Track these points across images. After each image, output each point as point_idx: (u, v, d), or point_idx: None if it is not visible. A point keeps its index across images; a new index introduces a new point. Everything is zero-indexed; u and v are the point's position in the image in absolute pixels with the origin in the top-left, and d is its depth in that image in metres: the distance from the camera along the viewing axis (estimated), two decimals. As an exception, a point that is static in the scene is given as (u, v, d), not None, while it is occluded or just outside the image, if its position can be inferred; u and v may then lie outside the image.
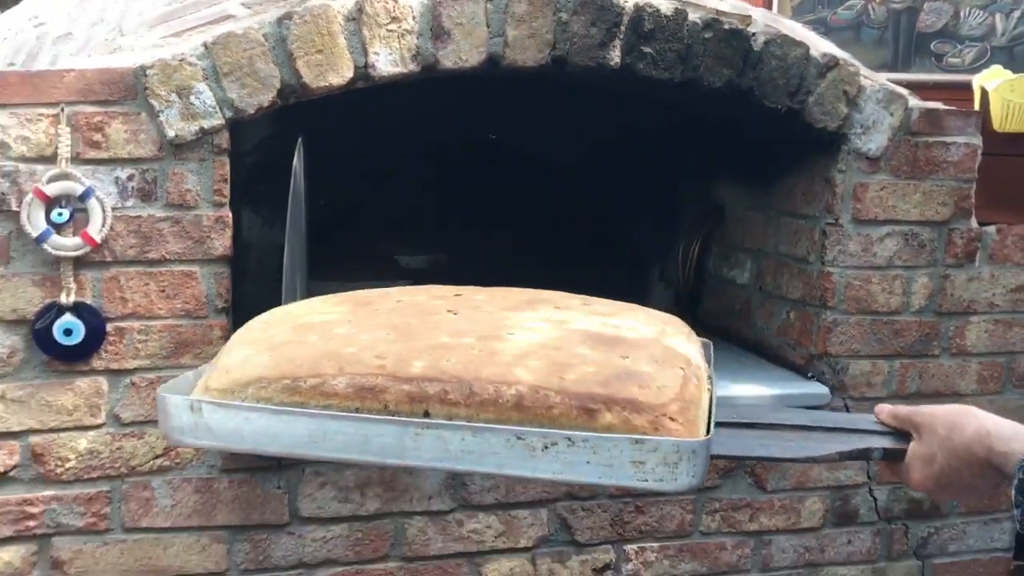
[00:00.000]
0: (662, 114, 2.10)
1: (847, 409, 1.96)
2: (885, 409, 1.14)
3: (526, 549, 1.85)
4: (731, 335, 2.25)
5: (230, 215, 1.62)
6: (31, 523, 1.60)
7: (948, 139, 1.93)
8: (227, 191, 1.61)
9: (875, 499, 2.02)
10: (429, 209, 2.81)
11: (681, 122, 2.18)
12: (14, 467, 1.58)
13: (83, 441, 1.60)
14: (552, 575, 1.87)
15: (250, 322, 0.96)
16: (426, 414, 0.75)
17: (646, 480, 0.73)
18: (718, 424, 0.87)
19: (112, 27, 1.95)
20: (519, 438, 0.73)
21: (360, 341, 0.80)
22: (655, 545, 1.92)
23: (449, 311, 0.89)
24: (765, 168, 2.13)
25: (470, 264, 2.57)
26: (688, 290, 2.42)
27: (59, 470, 1.60)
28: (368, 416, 0.73)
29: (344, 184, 2.49)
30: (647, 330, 0.92)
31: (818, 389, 1.93)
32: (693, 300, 2.42)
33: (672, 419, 0.76)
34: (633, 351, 0.83)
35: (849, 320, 1.94)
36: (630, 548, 1.90)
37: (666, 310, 2.50)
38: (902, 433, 1.09)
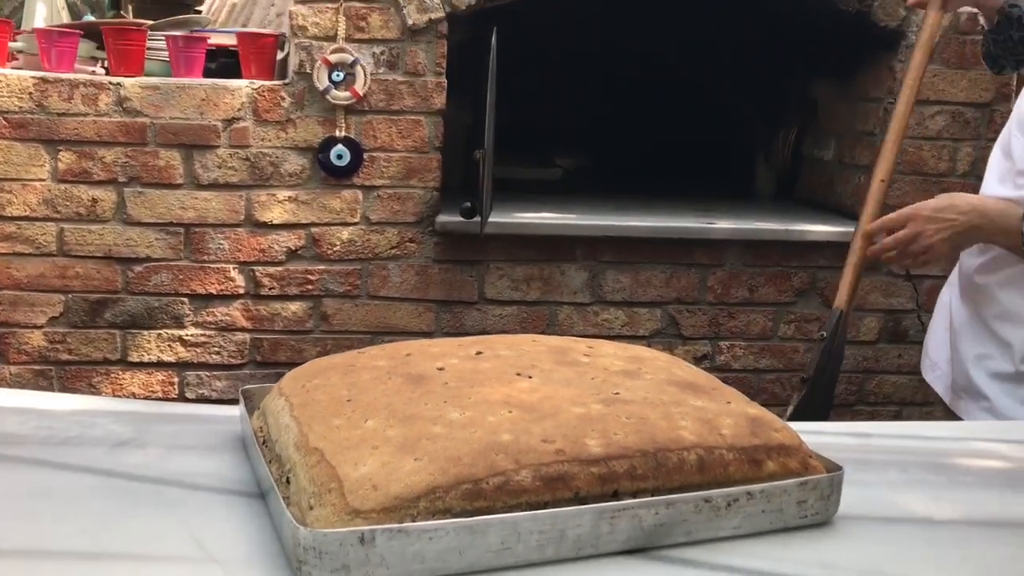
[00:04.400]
0: (765, 23, 2.69)
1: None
2: (875, 224, 1.68)
3: (644, 337, 2.52)
4: (819, 204, 2.84)
5: (446, 82, 2.34)
6: (310, 287, 2.39)
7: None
8: (444, 65, 2.33)
9: (922, 322, 2.59)
10: (578, 116, 3.45)
11: (787, 33, 2.76)
12: (301, 247, 2.37)
13: (345, 233, 2.37)
14: (663, 358, 2.53)
15: (304, 405, 0.84)
16: (615, 495, 0.71)
17: (806, 516, 0.74)
18: None
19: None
20: (706, 501, 0.71)
21: (501, 425, 0.75)
22: (742, 343, 2.55)
23: (519, 374, 0.86)
24: (846, 66, 2.70)
25: (612, 161, 3.23)
26: (786, 170, 3.01)
27: (329, 252, 2.38)
28: (563, 509, 0.68)
29: (511, 97, 3.17)
30: (679, 365, 0.94)
31: (875, 230, 2.51)
32: (791, 178, 3.01)
33: (810, 456, 0.77)
34: (724, 393, 0.85)
35: (904, 179, 2.51)
36: (723, 344, 2.55)
37: (769, 187, 3.08)
38: None
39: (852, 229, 2.55)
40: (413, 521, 0.65)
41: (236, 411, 0.92)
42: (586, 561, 0.68)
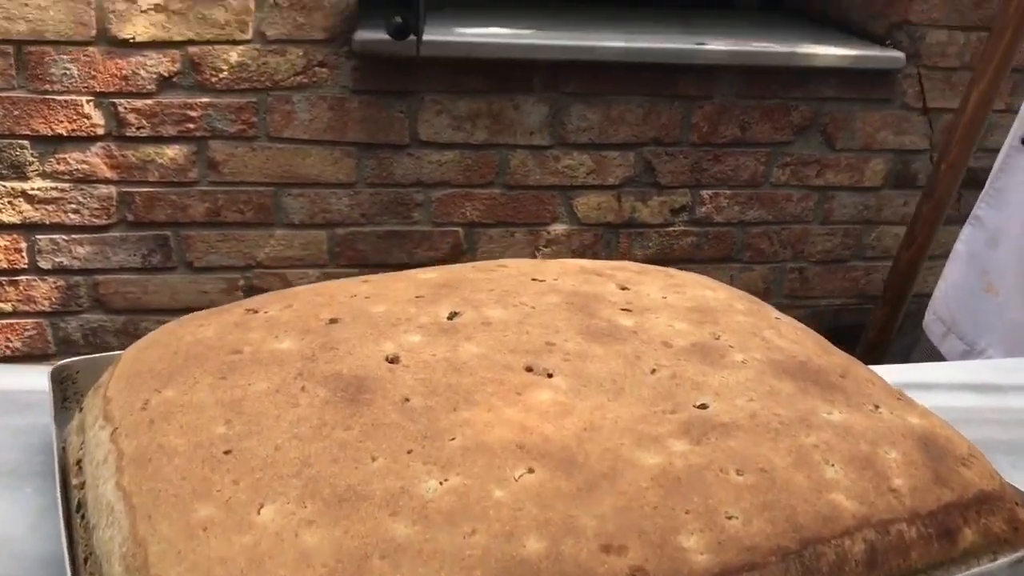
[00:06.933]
0: None
1: (920, 76, 2.10)
2: None
3: (613, 187, 2.07)
4: (816, 16, 2.36)
5: None
6: (191, 125, 1.85)
7: None
8: None
9: (934, 164, 2.20)
10: None
11: None
12: (176, 73, 1.81)
13: (234, 54, 1.81)
14: (634, 211, 2.11)
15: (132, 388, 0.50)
16: None
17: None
18: None
19: None
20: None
21: (522, 510, 0.42)
22: (728, 192, 2.13)
23: (530, 369, 0.50)
24: None
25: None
26: (776, -25, 2.49)
27: (214, 79, 1.82)
28: None
29: None
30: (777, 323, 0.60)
31: (895, 54, 2.06)
32: (779, -15, 2.51)
33: (1018, 504, 0.48)
34: (859, 379, 0.53)
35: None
36: (705, 193, 2.13)
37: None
38: None
39: (864, 52, 2.11)
40: None
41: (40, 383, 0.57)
42: None
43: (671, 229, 2.14)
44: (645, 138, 2.05)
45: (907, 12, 2.06)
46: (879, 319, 1.22)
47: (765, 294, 2.22)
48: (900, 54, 2.07)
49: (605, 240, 2.12)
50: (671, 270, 0.77)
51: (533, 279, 0.65)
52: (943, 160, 1.16)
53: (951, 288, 1.16)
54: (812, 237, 2.21)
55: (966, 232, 1.15)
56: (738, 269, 2.20)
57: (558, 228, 2.08)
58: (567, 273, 0.67)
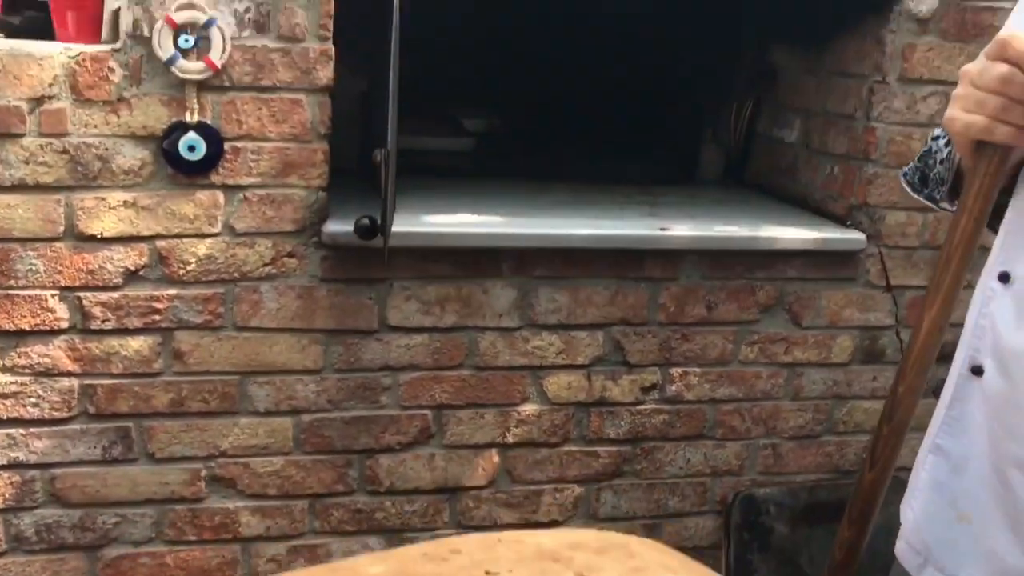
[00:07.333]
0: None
1: (881, 256, 2.14)
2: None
3: (583, 366, 2.07)
4: (777, 191, 2.42)
5: (333, 49, 1.79)
6: (157, 317, 1.84)
7: (997, 4, 2.04)
8: (331, 27, 1.78)
9: (901, 340, 2.22)
10: (492, 74, 2.93)
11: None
12: (143, 267, 1.81)
13: (202, 247, 1.82)
14: (605, 390, 2.10)
15: None
16: None
17: None
18: None
19: None
20: None
21: None
22: (697, 370, 2.14)
23: None
24: (819, 31, 2.26)
25: (529, 125, 2.74)
26: (738, 149, 2.57)
27: (181, 272, 1.82)
28: None
29: (413, 49, 2.63)
30: None
31: (855, 235, 2.11)
32: (742, 159, 2.58)
33: None
34: None
35: (889, 173, 2.10)
36: (675, 371, 2.12)
37: (716, 167, 2.66)
38: None
39: (826, 235, 2.16)
40: None
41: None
42: None
43: (642, 407, 2.12)
44: (613, 318, 2.06)
45: (866, 195, 2.12)
46: (845, 540, 1.19)
47: (739, 471, 2.20)
48: (861, 235, 2.11)
49: (576, 419, 2.10)
50: (632, 544, 0.75)
51: (486, 572, 0.63)
52: (899, 383, 1.16)
53: (922, 518, 1.14)
54: (783, 413, 2.21)
55: (929, 461, 1.14)
56: (711, 447, 2.18)
57: (528, 408, 2.06)
58: (522, 561, 0.65)
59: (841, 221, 2.17)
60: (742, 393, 2.17)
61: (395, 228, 1.78)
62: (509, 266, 1.98)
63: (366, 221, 1.68)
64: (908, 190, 1.25)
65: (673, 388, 2.13)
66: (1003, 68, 0.95)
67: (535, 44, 2.71)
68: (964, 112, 0.99)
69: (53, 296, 1.78)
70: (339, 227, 1.83)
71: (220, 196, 1.81)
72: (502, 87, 2.86)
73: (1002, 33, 0.97)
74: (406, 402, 1.99)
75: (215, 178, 1.79)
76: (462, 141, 2.76)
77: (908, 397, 1.17)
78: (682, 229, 2.03)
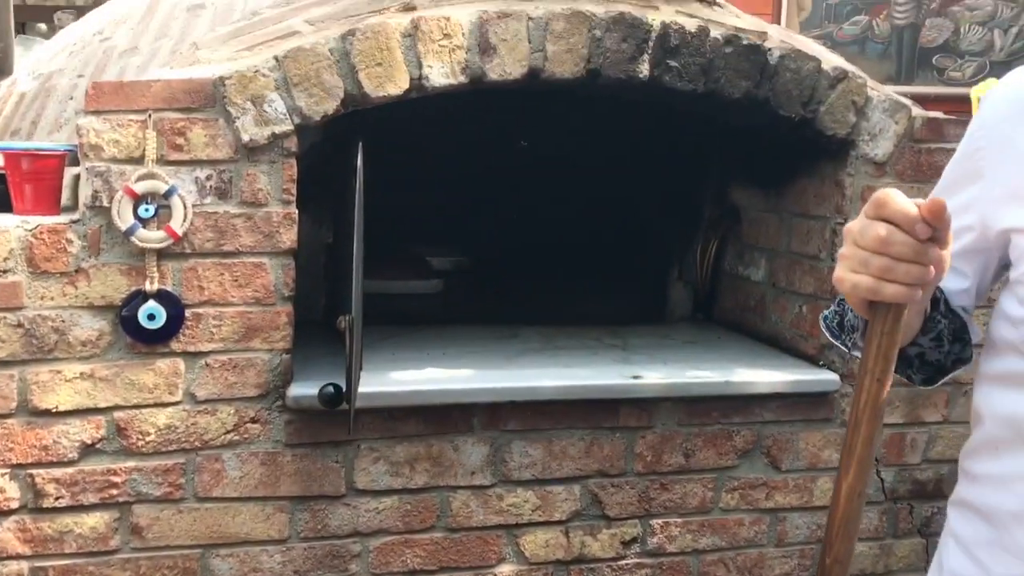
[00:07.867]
0: (684, 123, 2.26)
1: (856, 395, 2.12)
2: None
3: (560, 522, 2.00)
4: (746, 329, 2.41)
5: (296, 212, 1.79)
6: (114, 491, 1.76)
7: (949, 145, 2.09)
8: (294, 190, 1.77)
9: (882, 480, 2.18)
10: (459, 213, 2.95)
11: (701, 130, 2.34)
12: (100, 440, 1.74)
13: (162, 417, 1.76)
14: (584, 546, 2.02)
15: None
16: None
17: None
18: None
19: (177, 41, 2.13)
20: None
21: None
22: (678, 520, 2.07)
23: None
24: (779, 173, 2.29)
25: (497, 263, 2.74)
26: (705, 288, 2.57)
27: (140, 443, 1.76)
28: None
29: (380, 188, 2.65)
30: None
31: (829, 376, 2.09)
32: (710, 297, 2.58)
33: None
34: None
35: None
36: (656, 523, 2.06)
37: (685, 306, 2.66)
38: None
39: (799, 377, 2.14)
40: None
41: None
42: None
43: (624, 563, 2.05)
44: (590, 470, 2.00)
45: (835, 334, 2.11)
46: None
47: (726, 625, 2.11)
48: (834, 376, 2.10)
49: (555, 578, 2.01)
50: None
51: None
52: (827, 554, 1.11)
53: None
54: (768, 560, 2.14)
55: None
56: (696, 600, 2.10)
57: (505, 570, 1.98)
58: None
59: (813, 361, 2.15)
60: (725, 542, 2.11)
61: (361, 388, 1.74)
62: (480, 420, 1.93)
63: (331, 389, 1.64)
64: (827, 335, 1.21)
65: (655, 540, 2.06)
66: (881, 229, 0.91)
67: (502, 183, 2.73)
68: (851, 272, 0.96)
69: (3, 475, 1.70)
70: (304, 390, 1.78)
71: (181, 364, 1.76)
72: (470, 226, 2.88)
73: (878, 192, 0.95)
74: (377, 569, 1.91)
75: (175, 345, 1.75)
76: (430, 284, 2.76)
77: (836, 567, 1.12)
78: (655, 376, 2.00)
